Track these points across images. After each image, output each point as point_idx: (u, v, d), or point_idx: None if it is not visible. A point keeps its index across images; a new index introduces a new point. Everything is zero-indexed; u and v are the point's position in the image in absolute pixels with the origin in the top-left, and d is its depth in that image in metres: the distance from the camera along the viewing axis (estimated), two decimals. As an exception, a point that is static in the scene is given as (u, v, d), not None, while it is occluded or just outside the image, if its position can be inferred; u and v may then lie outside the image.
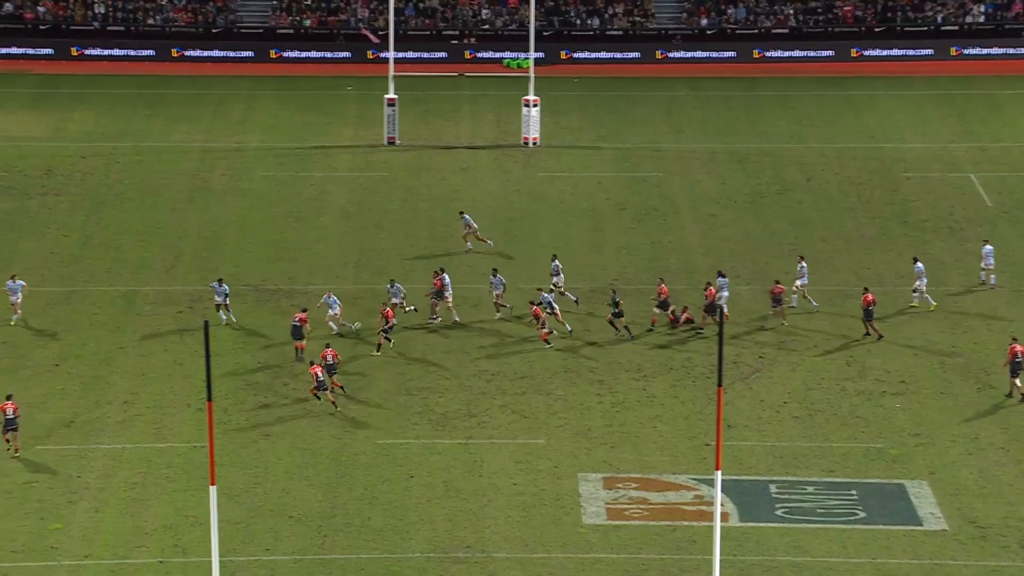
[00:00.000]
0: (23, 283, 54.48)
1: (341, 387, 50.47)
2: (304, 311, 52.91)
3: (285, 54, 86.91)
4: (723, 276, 56.32)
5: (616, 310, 54.68)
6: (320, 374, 49.43)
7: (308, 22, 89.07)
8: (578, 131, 76.11)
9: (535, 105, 73.49)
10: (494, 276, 56.09)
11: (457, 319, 55.38)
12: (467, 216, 61.66)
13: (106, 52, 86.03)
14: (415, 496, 45.25)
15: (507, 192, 68.40)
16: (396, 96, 73.70)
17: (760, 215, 65.71)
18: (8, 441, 46.79)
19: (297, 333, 52.51)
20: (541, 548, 42.89)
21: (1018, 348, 50.09)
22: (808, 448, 47.74)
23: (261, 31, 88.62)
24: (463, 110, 79.05)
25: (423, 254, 61.02)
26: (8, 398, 47.26)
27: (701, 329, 54.75)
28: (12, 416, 46.60)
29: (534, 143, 73.79)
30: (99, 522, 43.57)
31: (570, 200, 67.51)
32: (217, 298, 54.51)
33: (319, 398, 49.23)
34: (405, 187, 68.74)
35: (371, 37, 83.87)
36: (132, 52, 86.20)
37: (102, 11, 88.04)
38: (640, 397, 51.05)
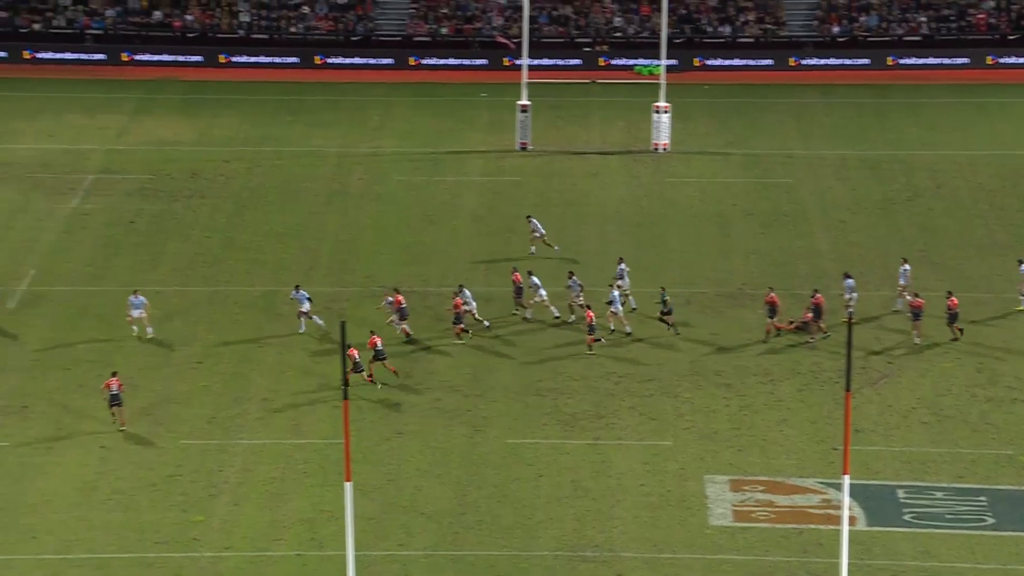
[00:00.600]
0: (144, 299, 54.16)
1: (395, 371, 50.78)
2: (398, 292, 53.34)
3: (422, 61, 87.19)
4: (850, 278, 55.61)
5: (665, 308, 54.37)
6: (357, 356, 49.61)
7: (444, 30, 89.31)
8: (708, 137, 75.55)
9: (666, 111, 73.06)
10: (571, 279, 55.67)
11: (556, 314, 55.19)
12: (535, 220, 61.36)
13: (250, 59, 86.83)
14: (544, 495, 45.10)
15: (636, 197, 68.06)
16: (529, 102, 73.62)
17: (891, 221, 64.81)
18: (114, 415, 47.77)
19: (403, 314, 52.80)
20: (668, 548, 42.56)
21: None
22: (937, 454, 46.95)
23: (399, 39, 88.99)
24: (594, 116, 78.80)
25: (552, 256, 60.86)
26: (113, 375, 48.29)
27: (812, 338, 54.03)
28: (116, 392, 47.71)
29: (664, 149, 73.36)
30: (239, 515, 43.90)
31: (698, 205, 67.03)
32: (302, 306, 54.11)
33: (347, 382, 48.58)
34: (536, 192, 68.63)
35: (506, 44, 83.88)
36: (275, 59, 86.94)
37: (247, 20, 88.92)
38: (767, 401, 50.51)
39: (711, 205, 66.98)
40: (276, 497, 44.76)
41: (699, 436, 48.37)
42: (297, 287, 54.94)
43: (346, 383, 36.98)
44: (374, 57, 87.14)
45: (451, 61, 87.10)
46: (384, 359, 50.85)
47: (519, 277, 56.12)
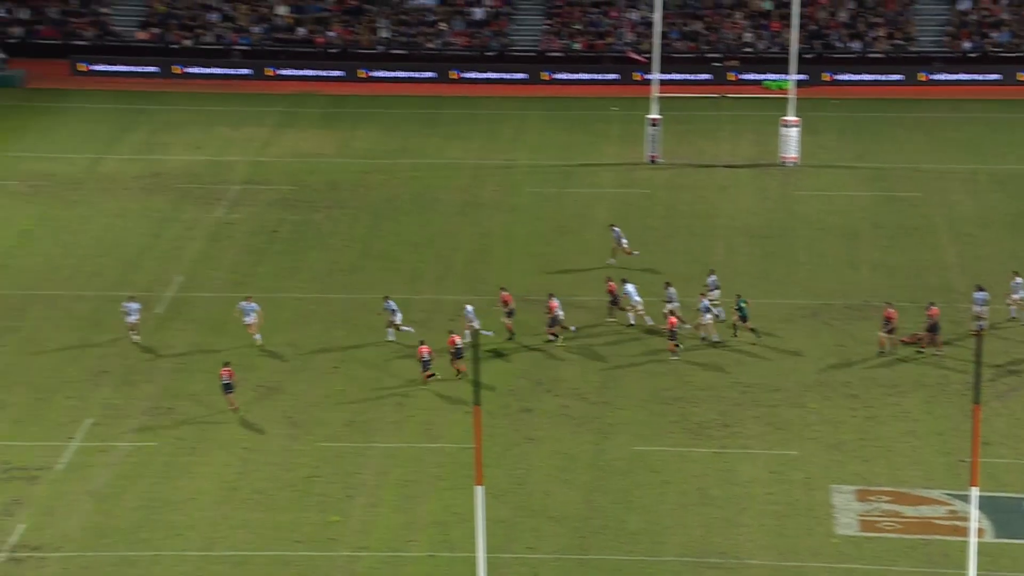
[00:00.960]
0: (256, 305, 54.26)
1: (464, 372, 51.07)
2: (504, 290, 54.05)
3: (555, 76, 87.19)
4: (982, 290, 54.69)
5: (742, 314, 54.00)
6: (426, 355, 50.65)
7: (577, 45, 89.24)
8: (836, 151, 74.72)
9: (795, 125, 72.38)
10: (667, 289, 55.21)
11: (650, 321, 54.99)
12: (617, 229, 60.93)
13: (389, 74, 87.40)
14: (670, 502, 44.80)
15: (764, 210, 67.47)
16: (659, 116, 73.31)
17: (1020, 236, 63.63)
18: (230, 402, 49.33)
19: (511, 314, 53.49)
20: (794, 557, 42.06)
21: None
22: (1063, 467, 46.03)
23: (533, 54, 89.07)
24: (723, 130, 78.28)
25: (680, 269, 60.53)
26: (225, 364, 49.54)
27: (923, 350, 53.14)
28: (229, 381, 49.11)
29: (792, 162, 72.67)
30: (375, 516, 44.09)
31: (826, 218, 66.30)
32: (395, 317, 54.02)
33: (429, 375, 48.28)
34: (665, 204, 68.30)
35: (637, 59, 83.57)
36: (413, 74, 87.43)
37: (387, 36, 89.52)
38: (894, 412, 49.78)
39: (839, 218, 66.22)
40: (410, 499, 44.90)
41: (825, 446, 47.77)
42: (386, 297, 55.03)
43: (477, 390, 36.92)
44: (508, 72, 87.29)
45: (583, 76, 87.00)
46: (461, 357, 51.06)
47: (614, 286, 55.80)
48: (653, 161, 73.54)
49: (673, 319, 53.40)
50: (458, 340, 51.54)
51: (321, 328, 56.03)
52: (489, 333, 53.62)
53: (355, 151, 75.80)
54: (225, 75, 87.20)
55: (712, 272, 57.33)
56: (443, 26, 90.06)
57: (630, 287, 55.64)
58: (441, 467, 46.63)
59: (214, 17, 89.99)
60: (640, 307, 55.26)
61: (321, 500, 44.94)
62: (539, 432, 48.88)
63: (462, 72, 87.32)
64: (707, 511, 44.22)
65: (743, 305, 54.48)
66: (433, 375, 51.55)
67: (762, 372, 52.56)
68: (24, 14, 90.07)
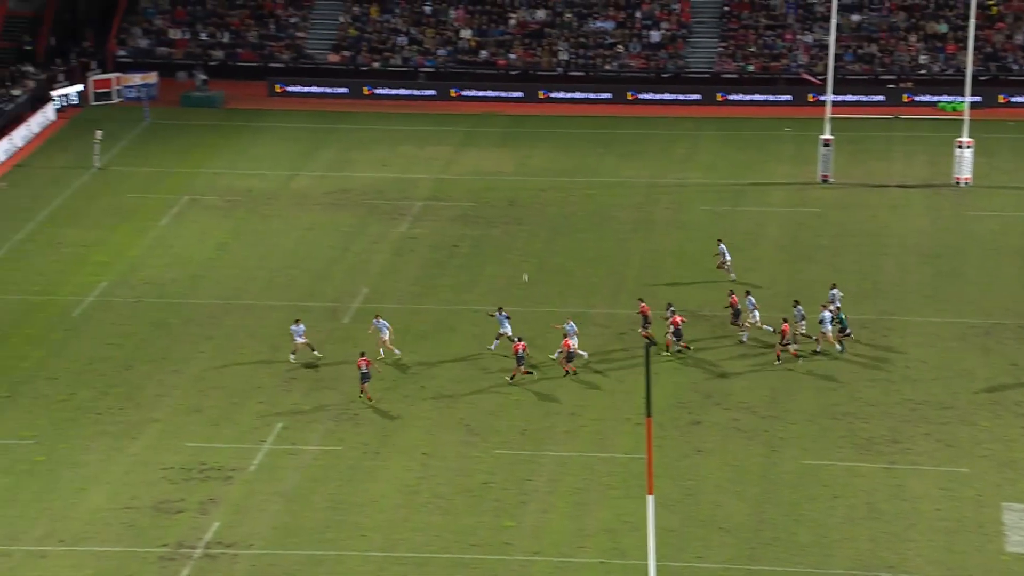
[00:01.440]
0: (387, 323, 54.19)
1: (529, 372, 52.03)
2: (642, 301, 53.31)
3: (729, 97, 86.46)
4: None
5: (843, 327, 53.58)
6: (521, 351, 51.61)
7: (751, 67, 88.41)
8: (1012, 172, 72.96)
9: (969, 146, 70.81)
10: (796, 307, 54.47)
11: (743, 340, 54.28)
12: (723, 245, 60.41)
13: (567, 95, 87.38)
14: (838, 516, 43.96)
15: (936, 230, 66.09)
16: (832, 136, 72.24)
17: None
18: (363, 391, 50.04)
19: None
20: (963, 573, 40.97)
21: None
22: None
23: (707, 76, 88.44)
24: (896, 151, 76.89)
25: (849, 287, 59.48)
26: (362, 355, 50.54)
27: None
28: (366, 371, 50.39)
29: (966, 183, 71.09)
30: (547, 522, 43.93)
31: (1000, 238, 64.71)
32: (502, 327, 53.86)
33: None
34: (836, 223, 67.25)
35: (812, 80, 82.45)
36: (590, 95, 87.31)
37: (566, 58, 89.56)
38: (1065, 431, 48.35)
39: (1013, 239, 64.61)
40: (581, 507, 44.66)
41: (997, 464, 46.51)
42: (500, 309, 54.76)
43: (649, 402, 36.59)
44: (683, 93, 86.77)
45: (757, 97, 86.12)
46: (572, 359, 51.84)
47: (736, 300, 55.04)
48: (825, 181, 72.48)
49: (786, 326, 52.80)
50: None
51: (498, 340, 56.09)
52: (583, 354, 53.07)
53: (533, 169, 75.88)
54: (411, 96, 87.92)
55: (834, 286, 56.31)
56: (620, 48, 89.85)
57: (750, 300, 54.90)
58: (612, 476, 46.31)
59: (402, 41, 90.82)
60: (758, 321, 54.52)
61: (496, 505, 44.89)
62: (709, 444, 48.33)
63: (638, 93, 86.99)
64: (876, 525, 43.29)
65: (843, 317, 53.85)
66: (531, 372, 51.97)
67: (932, 390, 51.39)
68: (225, 38, 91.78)
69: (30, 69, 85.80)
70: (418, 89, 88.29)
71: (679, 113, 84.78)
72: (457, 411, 50.73)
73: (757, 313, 54.97)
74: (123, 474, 46.67)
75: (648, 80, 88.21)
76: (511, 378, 52.20)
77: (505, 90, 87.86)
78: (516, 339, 52.68)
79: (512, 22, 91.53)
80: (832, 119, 72.32)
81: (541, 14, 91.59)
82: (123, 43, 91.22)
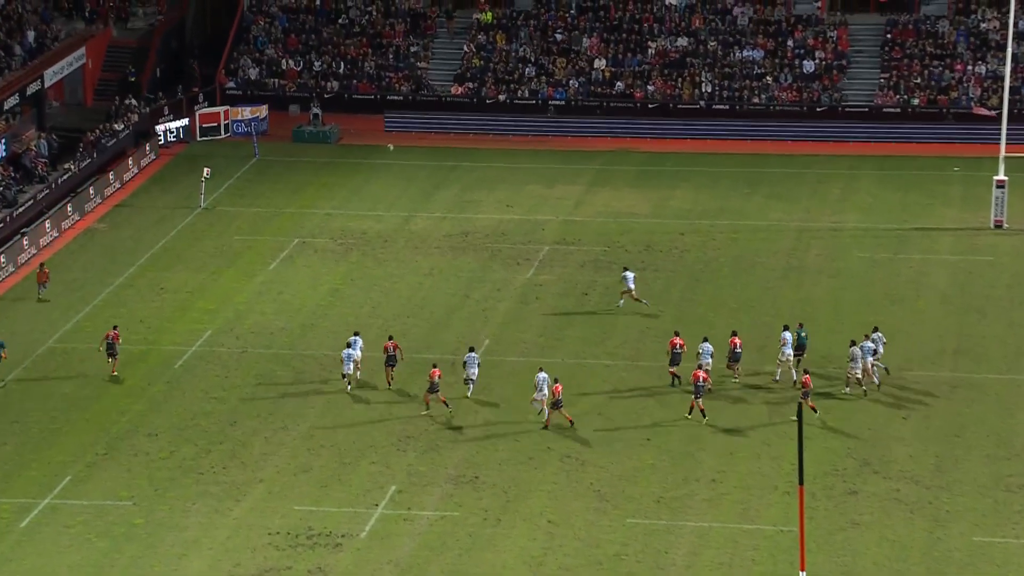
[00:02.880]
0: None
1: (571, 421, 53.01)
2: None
3: (890, 132, 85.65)
4: None
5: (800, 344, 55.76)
6: (436, 378, 54.06)
7: (916, 100, 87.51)
8: None
9: None
10: (852, 348, 54.69)
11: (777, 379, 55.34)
12: (628, 273, 62.26)
13: (710, 130, 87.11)
14: (1011, 598, 43.04)
15: (1122, 280, 64.86)
16: (1006, 177, 71.21)
17: None
18: (389, 376, 54.63)
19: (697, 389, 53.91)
20: None
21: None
22: None
23: (866, 109, 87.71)
24: (1076, 193, 75.68)
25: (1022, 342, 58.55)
26: (390, 338, 55.75)
27: None
28: (392, 353, 55.70)
29: None
30: (683, 600, 43.50)
31: None
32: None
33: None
34: (1012, 272, 66.18)
35: (985, 114, 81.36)
36: (736, 130, 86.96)
37: (709, 90, 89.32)
38: None
39: None
40: (723, 583, 44.20)
41: None
42: (471, 348, 55.92)
43: (801, 468, 36.08)
44: (839, 128, 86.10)
45: (920, 133, 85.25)
46: (560, 407, 52.73)
47: (737, 341, 55.77)
48: (998, 226, 71.41)
49: (807, 378, 53.17)
50: (558, 390, 52.88)
51: (632, 397, 55.78)
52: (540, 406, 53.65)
53: (671, 211, 75.63)
54: (539, 130, 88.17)
55: (876, 329, 56.28)
56: (770, 80, 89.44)
57: (787, 335, 55.88)
58: (757, 550, 45.75)
59: (530, 71, 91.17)
60: (863, 369, 55.02)
61: (629, 580, 44.60)
62: (866, 516, 47.60)
63: (789, 128, 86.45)
64: (1052, 610, 42.32)
65: (802, 334, 56.11)
66: (427, 408, 54.02)
67: (1116, 459, 50.21)
68: (340, 68, 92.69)
69: (133, 102, 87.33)
70: (547, 123, 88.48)
71: (834, 151, 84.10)
72: (586, 475, 50.49)
73: (788, 349, 55.63)
74: (226, 539, 47.02)
75: (800, 114, 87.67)
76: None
77: (642, 124, 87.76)
78: (466, 381, 55.07)
79: (650, 51, 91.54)
80: (1007, 158, 71.27)
81: (683, 42, 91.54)
82: (232, 74, 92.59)
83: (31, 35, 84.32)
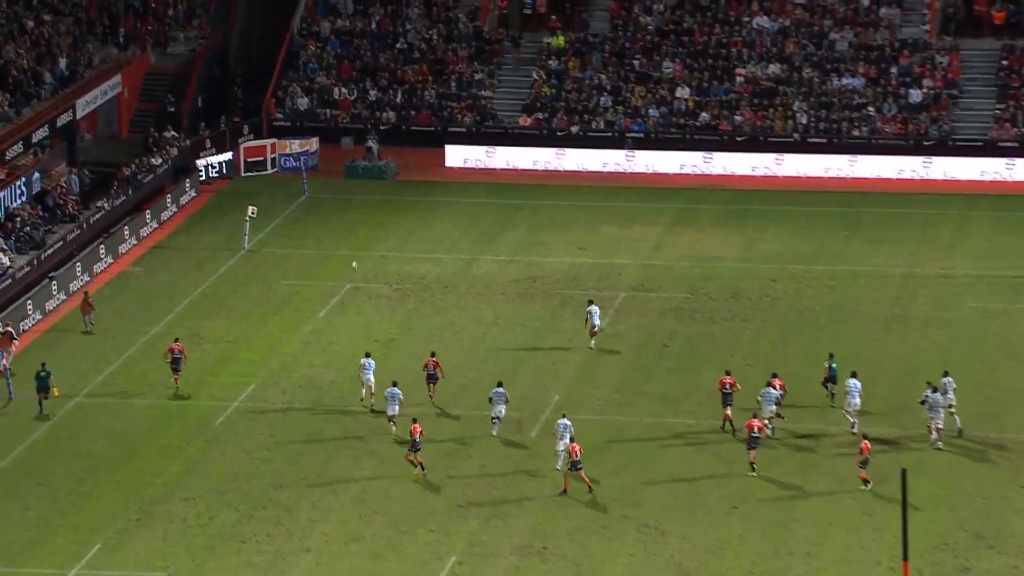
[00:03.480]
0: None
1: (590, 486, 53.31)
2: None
3: (1006, 169, 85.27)
4: None
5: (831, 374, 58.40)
6: (417, 435, 54.27)
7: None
8: None
9: None
10: (926, 397, 55.21)
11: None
12: (594, 307, 63.72)
13: (806, 165, 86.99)
14: None
15: None
16: None
17: None
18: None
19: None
20: None
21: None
22: None
23: (979, 143, 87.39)
24: None
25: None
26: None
27: None
28: (432, 371, 58.78)
29: None
30: None
31: None
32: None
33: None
34: None
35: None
36: (833, 165, 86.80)
37: (804, 121, 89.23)
38: None
39: None
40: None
41: None
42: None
43: (905, 542, 35.88)
44: (949, 164, 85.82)
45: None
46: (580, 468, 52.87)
47: (780, 383, 57.09)
48: None
49: (866, 444, 53.18)
50: (575, 451, 52.87)
51: (714, 458, 55.67)
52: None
53: (761, 254, 75.53)
54: (616, 165, 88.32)
55: (946, 373, 56.56)
56: (872, 110, 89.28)
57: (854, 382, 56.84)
58: (856, 631, 45.53)
59: (606, 101, 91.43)
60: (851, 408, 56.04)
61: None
62: (978, 595, 47.31)
63: (892, 163, 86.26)
64: None
65: (832, 365, 58.71)
66: (413, 463, 54.49)
67: None
68: (398, 97, 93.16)
69: (172, 134, 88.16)
70: (625, 157, 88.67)
71: (944, 189, 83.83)
72: (666, 547, 50.40)
73: (856, 399, 56.77)
74: (268, 613, 47.17)
75: (905, 148, 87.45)
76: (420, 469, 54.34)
77: (729, 159, 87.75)
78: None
79: (739, 79, 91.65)
80: None
81: (775, 69, 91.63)
82: (280, 104, 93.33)
83: (63, 62, 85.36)
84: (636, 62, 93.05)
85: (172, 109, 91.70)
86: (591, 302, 64.98)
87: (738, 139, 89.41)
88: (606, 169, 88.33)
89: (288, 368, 63.76)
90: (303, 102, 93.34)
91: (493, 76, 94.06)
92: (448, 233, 79.12)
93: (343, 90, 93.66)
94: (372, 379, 59.54)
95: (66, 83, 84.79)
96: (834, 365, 59.15)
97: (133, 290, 72.81)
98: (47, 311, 69.66)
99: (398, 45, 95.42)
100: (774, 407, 56.69)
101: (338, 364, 64.01)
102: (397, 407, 57.33)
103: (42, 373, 60.09)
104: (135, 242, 78.10)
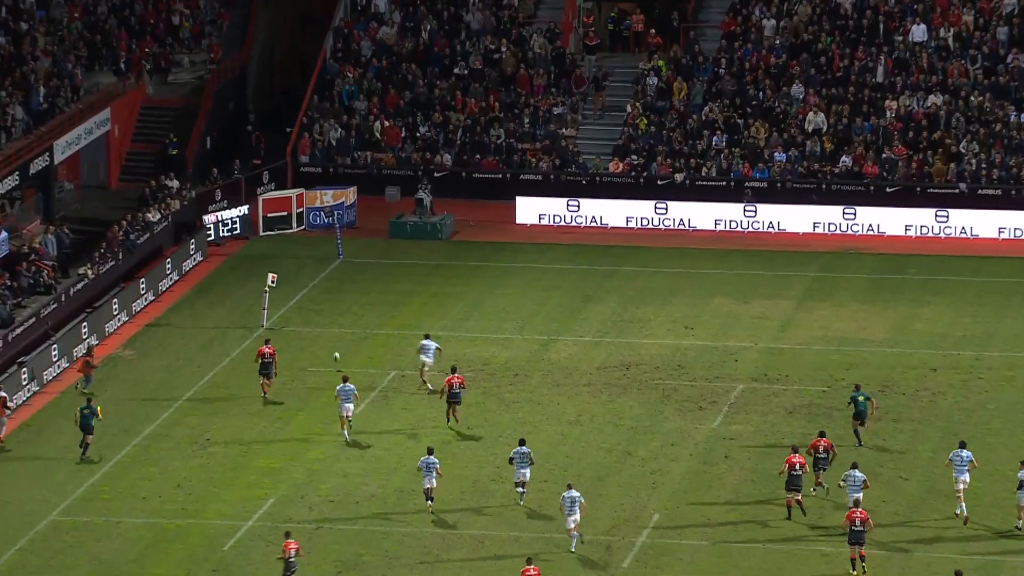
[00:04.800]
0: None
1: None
2: None
3: None
4: None
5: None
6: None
7: None
8: None
9: None
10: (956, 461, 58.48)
11: None
12: (429, 342, 68.24)
13: (976, 222, 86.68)
14: None
15: None
16: None
17: None
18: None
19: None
20: None
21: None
22: None
23: None
24: None
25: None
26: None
27: None
28: (456, 390, 64.20)
29: None
30: None
31: None
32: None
33: None
34: None
35: None
36: (1010, 224, 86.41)
37: (972, 167, 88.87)
38: None
39: None
40: None
41: None
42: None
43: None
44: None
45: None
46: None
47: (800, 459, 59.31)
48: None
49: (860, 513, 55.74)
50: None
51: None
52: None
53: (918, 336, 75.23)
54: (731, 222, 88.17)
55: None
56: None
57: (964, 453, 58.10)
58: None
59: (718, 141, 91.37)
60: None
61: None
62: None
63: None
64: None
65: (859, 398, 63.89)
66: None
67: None
68: (456, 136, 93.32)
69: (174, 184, 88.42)
70: (743, 212, 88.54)
71: None
72: None
73: (965, 474, 59.14)
74: None
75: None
76: None
77: (877, 214, 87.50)
78: (517, 485, 60.17)
79: (888, 113, 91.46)
80: None
81: (935, 100, 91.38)
82: (309, 146, 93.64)
83: (40, 91, 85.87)
84: (758, 91, 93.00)
85: (174, 152, 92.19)
86: (427, 336, 69.65)
87: (888, 190, 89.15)
88: (719, 227, 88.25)
89: (316, 478, 63.73)
90: (336, 135, 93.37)
91: (577, 110, 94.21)
92: (519, 308, 79.12)
93: (387, 124, 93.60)
94: (435, 483, 60.46)
95: (42, 119, 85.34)
96: (860, 398, 63.98)
97: (123, 378, 72.99)
98: (14, 405, 69.77)
99: (456, 71, 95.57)
100: (859, 495, 57.91)
101: (379, 473, 63.94)
102: (433, 477, 60.56)
103: (86, 411, 64.53)
104: (126, 318, 78.40)
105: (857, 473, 58.64)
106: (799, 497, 59.53)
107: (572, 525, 57.67)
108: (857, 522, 56.09)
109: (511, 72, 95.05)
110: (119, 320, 77.97)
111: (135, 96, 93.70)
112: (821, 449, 60.94)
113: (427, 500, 60.59)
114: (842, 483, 58.79)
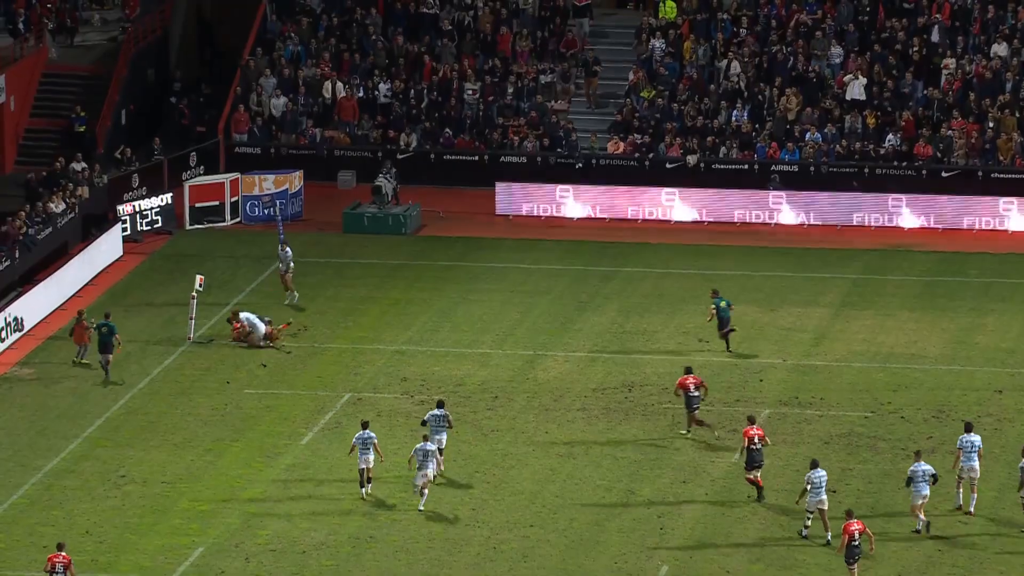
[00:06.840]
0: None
1: None
2: None
3: None
4: None
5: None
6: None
7: None
8: None
9: None
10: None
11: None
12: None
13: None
14: None
15: None
16: None
17: None
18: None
19: None
20: None
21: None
22: None
23: None
24: None
25: None
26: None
27: None
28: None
29: None
30: None
31: None
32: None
33: None
34: None
35: None
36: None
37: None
38: None
39: None
40: None
41: None
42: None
43: None
44: None
45: None
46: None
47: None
48: None
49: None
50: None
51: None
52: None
53: (980, 351, 75.61)
54: (756, 215, 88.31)
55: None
56: None
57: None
58: None
59: (738, 116, 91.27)
60: None
61: None
62: None
63: None
64: None
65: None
66: None
67: None
68: (423, 107, 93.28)
69: (83, 167, 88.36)
70: (770, 202, 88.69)
71: None
72: None
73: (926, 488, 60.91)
74: None
75: None
76: None
77: (930, 204, 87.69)
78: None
79: (943, 76, 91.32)
80: None
81: (1001, 49, 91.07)
82: (248, 120, 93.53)
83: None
84: (788, 55, 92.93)
85: (82, 129, 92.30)
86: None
87: (944, 174, 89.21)
88: (740, 219, 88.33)
89: (254, 523, 63.68)
90: (278, 107, 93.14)
91: (568, 79, 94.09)
92: (499, 317, 79.27)
93: (340, 93, 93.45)
94: (371, 463, 63.25)
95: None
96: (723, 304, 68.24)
97: (19, 403, 72.97)
98: None
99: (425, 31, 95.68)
100: (823, 497, 60.31)
101: (330, 517, 63.86)
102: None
103: (103, 328, 71.11)
104: (22, 332, 78.32)
105: (820, 472, 59.83)
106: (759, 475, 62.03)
107: (421, 481, 61.82)
108: (855, 535, 56.79)
109: (489, 34, 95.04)
110: (14, 333, 77.82)
111: (34, 61, 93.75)
112: (692, 387, 66.96)
113: (361, 486, 62.69)
114: (810, 484, 60.07)
